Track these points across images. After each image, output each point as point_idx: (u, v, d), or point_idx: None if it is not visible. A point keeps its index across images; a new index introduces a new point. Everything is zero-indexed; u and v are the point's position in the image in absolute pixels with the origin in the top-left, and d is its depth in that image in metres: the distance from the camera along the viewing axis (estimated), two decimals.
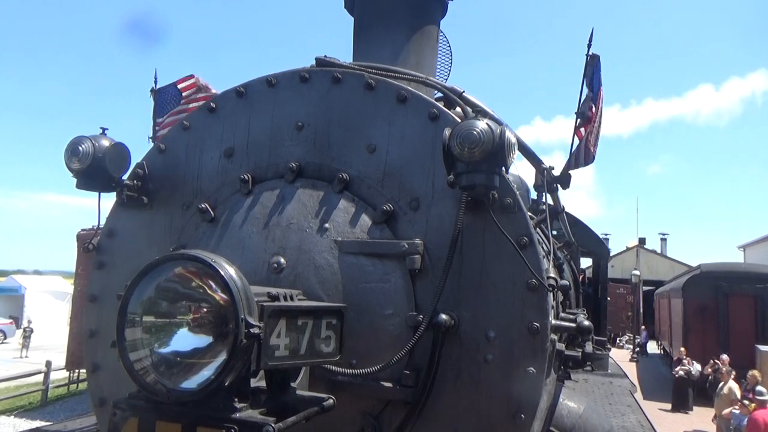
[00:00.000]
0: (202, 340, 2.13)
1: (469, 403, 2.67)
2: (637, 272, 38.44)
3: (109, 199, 3.46)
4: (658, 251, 57.34)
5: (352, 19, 4.51)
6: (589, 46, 3.33)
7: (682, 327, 22.80)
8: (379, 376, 2.70)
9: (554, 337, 3.36)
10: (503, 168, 2.50)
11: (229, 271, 2.12)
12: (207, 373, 2.08)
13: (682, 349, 21.24)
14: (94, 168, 3.09)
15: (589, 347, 9.48)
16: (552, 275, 2.67)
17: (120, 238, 3.46)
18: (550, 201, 4.28)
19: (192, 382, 2.09)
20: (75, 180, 3.17)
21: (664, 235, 60.99)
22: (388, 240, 2.85)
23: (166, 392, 2.11)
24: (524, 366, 2.61)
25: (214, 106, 3.38)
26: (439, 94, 3.94)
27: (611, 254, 54.79)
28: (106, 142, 3.14)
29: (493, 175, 2.47)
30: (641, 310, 38.58)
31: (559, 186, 3.53)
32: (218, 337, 2.10)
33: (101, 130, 3.20)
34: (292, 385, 2.56)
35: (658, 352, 37.33)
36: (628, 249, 54.05)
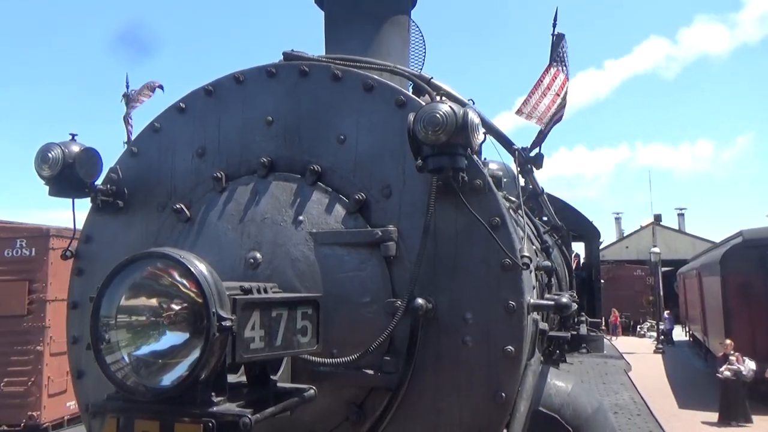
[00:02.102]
0: (179, 337, 2.13)
1: (450, 385, 2.69)
2: (656, 249, 33.30)
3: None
4: (676, 228, 52.45)
5: (323, 13, 4.52)
6: (554, 25, 3.35)
7: (722, 311, 17.75)
8: (360, 364, 2.71)
9: (536, 317, 3.39)
10: (469, 149, 2.52)
11: (198, 266, 2.12)
12: (181, 369, 2.09)
13: (728, 341, 15.97)
14: (65, 174, 3.09)
15: (583, 329, 9.53)
16: (526, 254, 2.67)
17: (97, 244, 3.45)
18: (522, 183, 4.31)
19: (167, 379, 2.10)
20: (47, 188, 3.16)
21: (681, 210, 56.02)
22: (362, 229, 2.85)
23: (143, 391, 2.11)
24: (502, 345, 2.63)
25: (183, 106, 3.38)
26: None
27: (624, 234, 52.54)
28: (76, 148, 3.13)
29: (458, 156, 2.48)
30: (661, 293, 34.10)
31: (533, 167, 3.54)
32: (195, 333, 2.11)
33: (71, 136, 3.20)
34: (273, 377, 2.57)
35: (686, 338, 32.77)
36: (642, 228, 49.06)
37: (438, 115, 2.42)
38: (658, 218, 49.36)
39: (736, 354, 15.57)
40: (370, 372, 2.73)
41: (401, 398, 2.70)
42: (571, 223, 11.90)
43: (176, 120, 3.39)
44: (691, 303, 28.22)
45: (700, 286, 23.64)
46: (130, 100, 4.83)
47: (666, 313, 33.41)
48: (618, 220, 58.77)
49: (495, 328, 2.66)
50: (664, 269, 37.16)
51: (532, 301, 2.88)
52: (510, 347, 2.62)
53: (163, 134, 3.41)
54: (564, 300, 2.99)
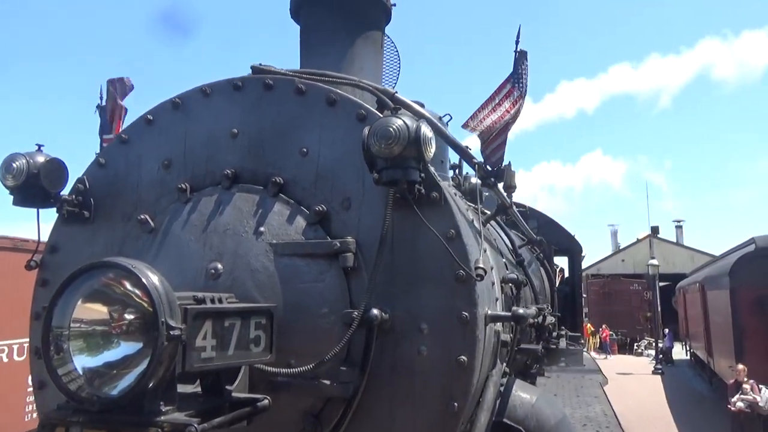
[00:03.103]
0: (132, 346, 2.15)
1: (404, 394, 2.72)
2: (654, 261, 30.96)
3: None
4: (674, 240, 49.59)
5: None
6: (517, 42, 3.43)
7: (732, 330, 15.30)
8: (317, 374, 2.73)
9: (498, 328, 3.43)
10: (422, 162, 2.57)
11: (150, 276, 2.14)
12: (130, 378, 2.10)
13: (741, 367, 13.47)
14: (29, 184, 3.12)
15: (563, 343, 9.57)
16: (481, 266, 2.72)
17: (63, 254, 3.46)
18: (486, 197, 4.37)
19: (117, 389, 2.11)
20: (11, 197, 3.18)
21: (679, 222, 53.21)
22: (321, 240, 2.89)
23: (93, 400, 2.12)
24: (456, 355, 2.66)
25: (151, 118, 3.42)
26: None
27: (620, 248, 50.84)
28: (41, 158, 3.16)
29: (411, 169, 2.53)
30: (659, 309, 31.87)
31: (495, 181, 3.59)
32: (148, 343, 2.12)
33: (37, 147, 3.22)
34: (229, 387, 2.59)
35: (686, 357, 30.66)
36: (638, 240, 46.95)
37: (391, 129, 2.47)
38: (655, 230, 46.44)
39: (751, 382, 13.12)
40: (327, 382, 2.75)
41: (356, 408, 2.73)
42: (554, 238, 12.02)
43: (144, 132, 3.43)
44: (693, 319, 25.89)
45: (703, 301, 21.26)
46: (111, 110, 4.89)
47: (665, 331, 31.22)
48: (614, 232, 56.91)
49: (449, 338, 2.69)
50: (661, 284, 34.86)
51: (490, 312, 2.93)
52: (463, 357, 2.66)
53: (130, 145, 3.44)
54: (520, 311, 3.03)
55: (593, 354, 30.18)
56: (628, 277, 40.21)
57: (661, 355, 28.62)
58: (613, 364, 28.00)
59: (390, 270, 2.79)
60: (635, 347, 35.46)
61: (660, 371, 26.29)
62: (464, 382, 2.66)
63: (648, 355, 32.43)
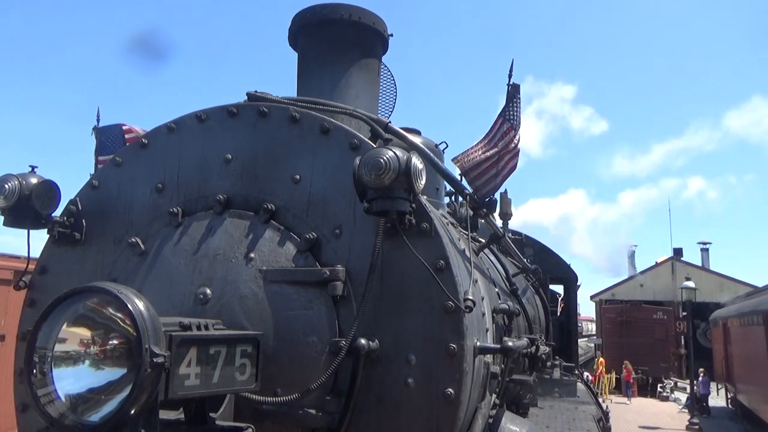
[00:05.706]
0: (116, 372, 2.13)
1: (391, 426, 2.69)
2: (690, 284, 24.55)
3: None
4: (699, 264, 42.29)
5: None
6: (510, 76, 3.48)
7: None
8: (303, 403, 2.71)
9: (488, 360, 3.41)
10: (412, 193, 2.58)
11: (135, 301, 2.14)
12: (112, 405, 2.08)
13: None
14: (21, 205, 3.12)
15: (557, 373, 9.46)
16: (470, 297, 2.71)
17: (52, 275, 3.45)
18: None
19: (98, 414, 2.09)
20: (2, 218, 3.18)
21: (705, 244, 45.50)
22: (311, 268, 2.89)
23: (73, 426, 2.10)
24: (443, 388, 2.64)
25: (145, 141, 3.44)
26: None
27: (639, 271, 42.04)
28: (34, 180, 3.18)
29: (401, 200, 2.55)
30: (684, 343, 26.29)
31: (487, 211, 3.61)
32: (132, 369, 2.11)
33: (30, 168, 3.24)
34: (213, 415, 2.56)
35: (722, 403, 25.43)
36: (658, 264, 40.80)
37: (381, 160, 2.50)
38: (678, 253, 40.83)
39: None
40: (313, 412, 2.73)
41: None
42: (550, 266, 12.01)
43: (138, 155, 3.45)
44: (740, 360, 20.97)
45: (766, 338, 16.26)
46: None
47: (700, 373, 24.70)
48: (631, 254, 48.96)
49: (436, 370, 2.68)
50: (685, 313, 28.38)
51: (479, 344, 2.92)
52: (450, 390, 2.64)
53: (124, 169, 3.46)
54: (510, 344, 3.02)
55: (611, 397, 25.65)
56: (649, 303, 34.53)
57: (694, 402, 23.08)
58: (635, 411, 23.24)
59: (379, 299, 2.78)
60: (659, 389, 29.01)
61: (696, 427, 20.63)
62: (451, 415, 2.63)
63: (675, 399, 27.18)
